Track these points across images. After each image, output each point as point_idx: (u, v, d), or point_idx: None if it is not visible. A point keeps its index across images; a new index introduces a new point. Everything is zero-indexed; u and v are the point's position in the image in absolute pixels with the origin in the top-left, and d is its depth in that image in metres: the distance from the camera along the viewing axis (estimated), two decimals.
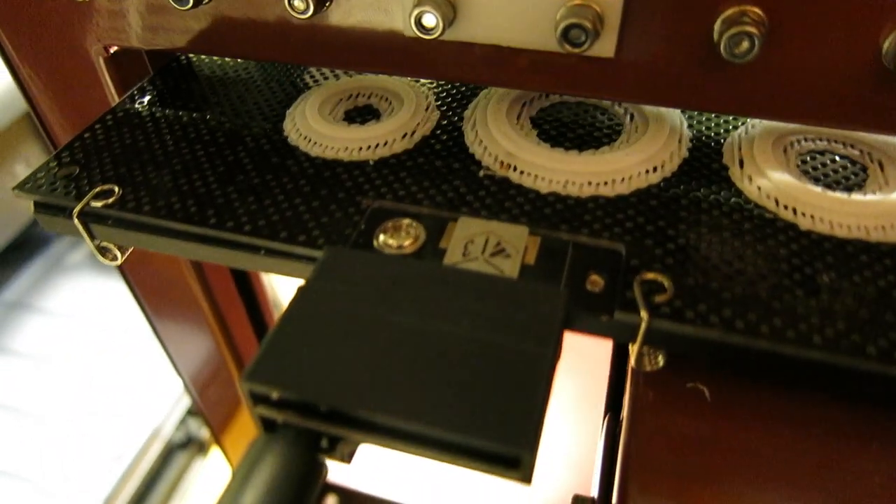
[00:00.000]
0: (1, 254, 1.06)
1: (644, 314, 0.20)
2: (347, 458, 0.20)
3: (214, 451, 0.95)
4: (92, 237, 0.26)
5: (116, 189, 0.26)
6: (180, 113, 0.31)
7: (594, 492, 0.26)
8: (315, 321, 0.19)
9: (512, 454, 0.16)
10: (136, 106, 0.31)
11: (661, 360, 0.22)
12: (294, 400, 0.18)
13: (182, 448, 0.95)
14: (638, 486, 0.20)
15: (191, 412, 0.94)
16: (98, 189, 0.26)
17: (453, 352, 0.18)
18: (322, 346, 0.19)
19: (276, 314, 0.21)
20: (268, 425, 0.19)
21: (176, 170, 0.27)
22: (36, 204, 0.27)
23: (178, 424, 0.94)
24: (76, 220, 0.26)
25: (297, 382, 0.18)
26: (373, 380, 0.18)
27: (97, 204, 0.26)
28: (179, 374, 0.55)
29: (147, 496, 0.89)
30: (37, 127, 0.37)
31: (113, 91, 0.32)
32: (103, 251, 0.27)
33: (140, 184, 0.27)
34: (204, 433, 0.95)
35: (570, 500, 0.27)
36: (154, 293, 0.48)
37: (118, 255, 0.27)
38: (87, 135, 0.30)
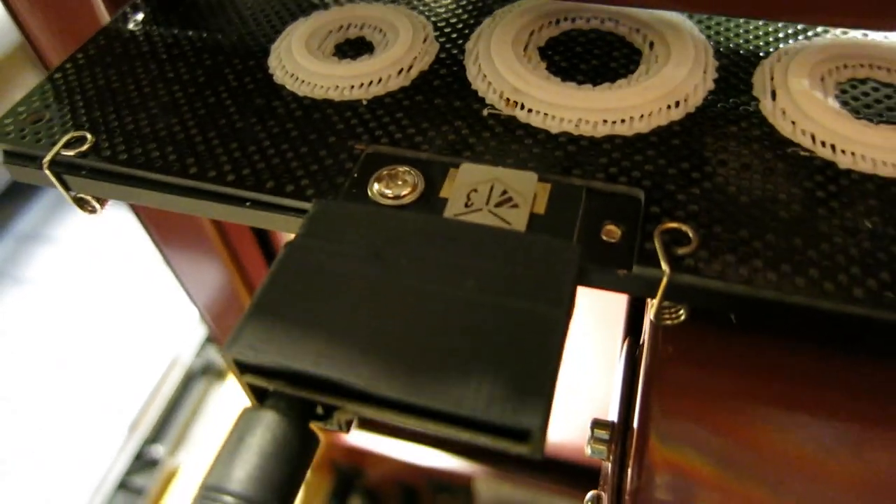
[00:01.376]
0: (13, 186, 1.05)
1: (665, 268, 0.18)
2: (345, 427, 0.18)
3: (232, 378, 0.96)
4: (67, 188, 0.24)
5: (89, 136, 0.24)
6: (163, 45, 0.28)
7: (613, 416, 0.24)
8: (303, 283, 0.18)
9: (521, 429, 0.15)
10: (127, 27, 0.29)
11: (682, 315, 0.20)
12: (281, 369, 0.16)
13: (201, 375, 0.98)
14: (660, 409, 0.19)
15: (209, 339, 0.96)
16: (69, 136, 0.24)
17: (456, 316, 0.17)
18: (311, 310, 0.17)
19: (286, 241, 0.19)
20: (258, 394, 0.18)
21: (153, 113, 0.25)
22: (4, 153, 0.25)
23: (198, 352, 0.96)
24: (47, 171, 0.24)
25: (284, 351, 0.16)
26: (367, 348, 0.16)
27: (69, 153, 0.24)
28: (194, 303, 0.55)
29: (169, 421, 0.92)
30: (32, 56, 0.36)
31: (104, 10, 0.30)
32: (81, 202, 0.25)
33: (115, 129, 0.24)
34: (221, 360, 0.97)
35: (588, 425, 0.26)
36: (162, 223, 0.47)
37: (97, 206, 0.25)
38: (57, 75, 0.27)
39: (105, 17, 0.31)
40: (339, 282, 0.17)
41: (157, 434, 0.90)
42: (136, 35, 0.29)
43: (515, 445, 0.15)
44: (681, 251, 0.19)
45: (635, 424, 0.20)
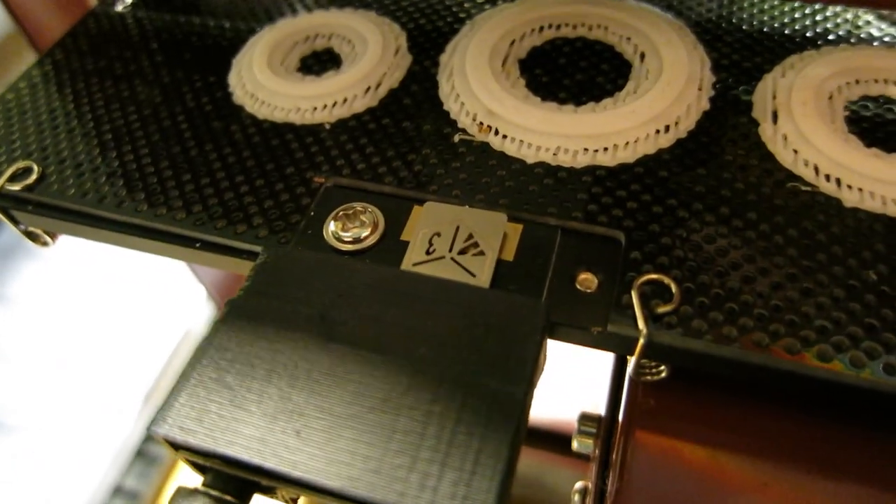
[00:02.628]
0: None
1: (643, 327, 0.16)
2: (292, 501, 0.17)
3: None
4: (15, 222, 0.23)
5: (36, 167, 0.23)
6: (120, 61, 0.26)
7: (602, 410, 0.23)
8: (240, 354, 0.16)
9: None
10: (85, 39, 0.27)
11: (664, 372, 0.18)
12: (212, 454, 0.15)
13: None
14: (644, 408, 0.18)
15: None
16: (13, 169, 0.23)
17: (403, 393, 0.15)
18: (246, 387, 0.15)
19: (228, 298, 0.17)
20: (199, 467, 0.16)
21: (105, 140, 0.23)
22: None
23: (207, 326, 0.97)
24: None
25: (214, 435, 0.15)
26: (302, 430, 0.15)
27: (14, 187, 0.22)
28: (201, 282, 0.56)
29: None
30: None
31: None
32: (31, 236, 0.24)
33: (65, 159, 0.23)
34: None
35: (576, 417, 0.25)
36: None
37: (49, 240, 0.24)
38: (9, 96, 0.26)
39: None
40: (279, 352, 0.16)
41: None
42: (95, 47, 0.27)
43: None
44: (661, 309, 0.17)
45: (620, 419, 0.19)
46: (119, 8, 0.29)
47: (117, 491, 0.84)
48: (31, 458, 0.83)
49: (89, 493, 0.83)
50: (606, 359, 0.24)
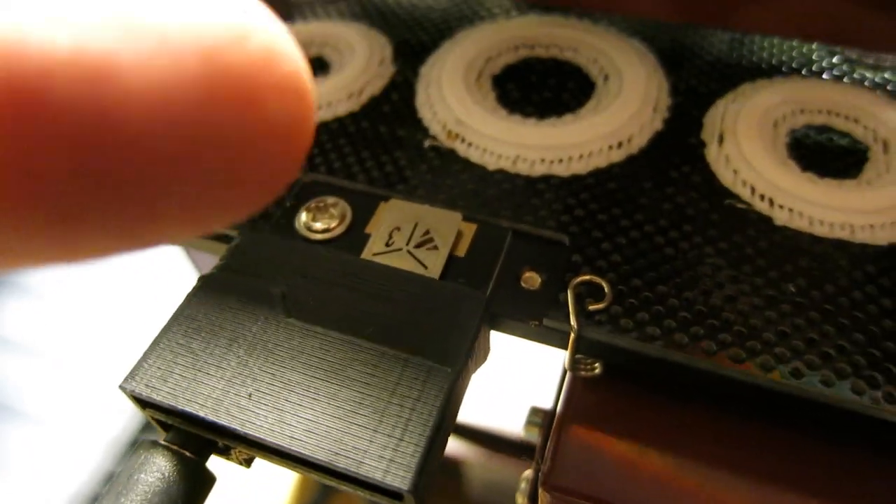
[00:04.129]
0: None
1: (574, 323, 0.18)
2: (245, 463, 0.18)
3: None
4: None
5: None
6: None
7: (551, 404, 0.24)
8: (207, 322, 0.18)
9: (393, 492, 0.15)
10: None
11: (598, 369, 0.19)
12: (175, 410, 0.17)
13: None
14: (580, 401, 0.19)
15: None
16: None
17: (348, 365, 0.17)
18: (210, 352, 0.17)
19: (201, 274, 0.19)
20: (162, 424, 0.18)
21: None
22: None
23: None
24: None
25: (177, 393, 0.17)
26: (254, 393, 0.16)
27: None
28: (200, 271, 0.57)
29: None
30: None
31: None
32: None
33: None
34: None
35: (526, 412, 0.26)
36: None
37: None
38: None
39: None
40: (241, 323, 0.18)
41: None
42: None
43: (392, 503, 0.15)
44: (592, 307, 0.18)
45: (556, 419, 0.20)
46: None
47: (111, 479, 0.86)
48: (26, 445, 0.85)
49: (81, 481, 0.85)
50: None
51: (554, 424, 0.21)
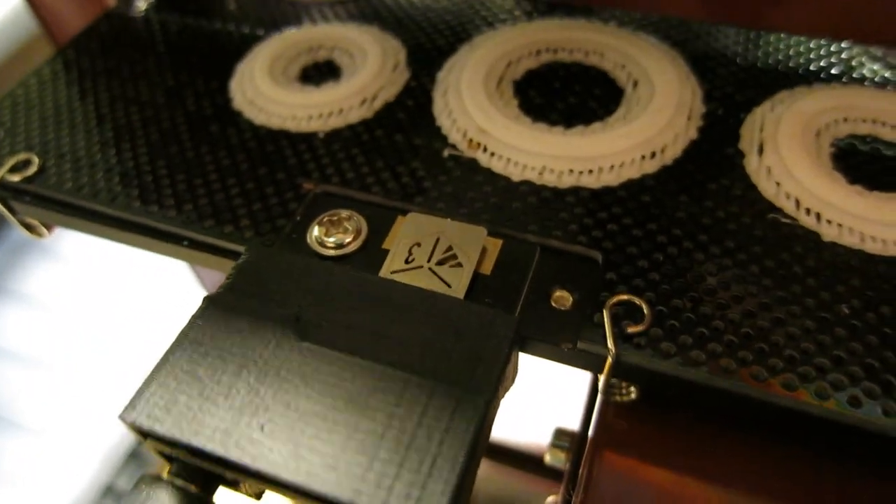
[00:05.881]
0: None
1: (611, 347, 0.17)
2: (255, 496, 0.17)
3: None
4: (12, 212, 0.24)
5: (36, 160, 0.23)
6: (128, 62, 0.27)
7: (577, 426, 0.23)
8: (214, 347, 0.16)
9: None
10: (96, 38, 0.28)
11: (633, 394, 0.18)
12: (178, 442, 0.15)
13: None
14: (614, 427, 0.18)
15: None
16: (14, 160, 0.23)
17: (368, 396, 0.15)
18: (217, 380, 0.16)
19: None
20: (166, 456, 0.17)
21: (107, 137, 0.24)
22: None
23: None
24: None
25: (181, 425, 0.15)
26: (266, 424, 0.15)
27: (14, 178, 0.23)
28: (203, 286, 0.57)
29: None
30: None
31: None
32: (28, 227, 0.24)
33: (66, 153, 0.24)
34: None
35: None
36: None
37: (45, 231, 0.24)
38: (19, 90, 0.27)
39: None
40: (251, 348, 0.16)
41: None
42: (106, 48, 0.28)
43: None
44: (631, 329, 0.17)
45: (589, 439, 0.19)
46: (140, 6, 0.30)
47: (108, 491, 0.84)
48: (25, 457, 0.83)
49: (79, 492, 0.83)
50: (584, 378, 0.24)
51: (586, 451, 0.19)
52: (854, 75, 0.24)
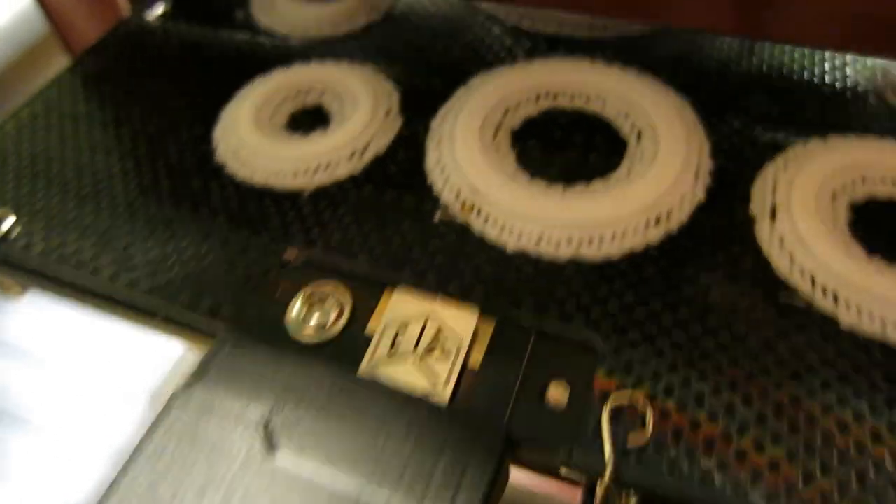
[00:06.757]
0: None
1: (609, 463, 0.15)
2: None
3: None
4: None
5: (10, 217, 0.22)
6: (112, 104, 0.26)
7: None
8: (176, 458, 0.15)
9: None
10: (78, 80, 0.27)
11: (633, 502, 0.17)
12: None
13: None
14: None
15: None
16: None
17: None
18: (178, 498, 0.15)
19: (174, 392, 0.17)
20: None
21: (84, 193, 0.23)
22: None
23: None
24: None
25: None
26: None
27: None
28: None
29: None
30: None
31: None
32: (4, 285, 0.23)
33: (39, 211, 0.22)
34: None
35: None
36: None
37: (21, 290, 0.23)
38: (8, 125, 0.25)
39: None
40: (216, 464, 0.15)
41: None
42: (89, 86, 0.27)
43: None
44: (634, 440, 0.16)
45: None
46: (146, 17, 0.29)
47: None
48: (28, 453, 0.83)
49: (85, 491, 0.83)
50: None
51: None
52: (872, 126, 0.22)
